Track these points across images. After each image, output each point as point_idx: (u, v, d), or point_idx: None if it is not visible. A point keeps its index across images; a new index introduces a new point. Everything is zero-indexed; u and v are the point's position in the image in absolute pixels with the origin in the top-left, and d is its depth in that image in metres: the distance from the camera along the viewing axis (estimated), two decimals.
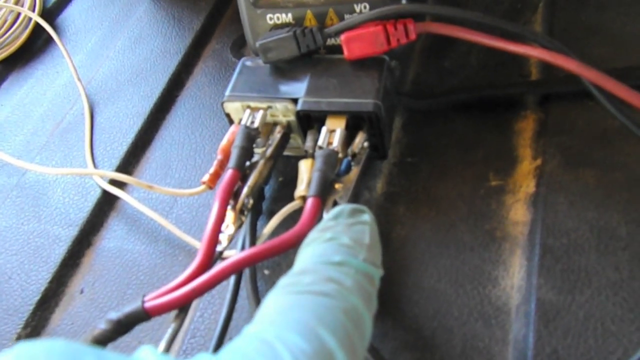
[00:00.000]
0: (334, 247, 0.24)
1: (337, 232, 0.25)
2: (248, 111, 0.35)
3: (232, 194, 0.31)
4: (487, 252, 0.32)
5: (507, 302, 0.30)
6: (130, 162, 0.42)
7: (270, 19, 0.37)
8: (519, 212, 0.33)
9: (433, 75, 0.41)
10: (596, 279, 0.29)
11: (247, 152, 0.33)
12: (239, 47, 0.49)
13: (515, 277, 0.31)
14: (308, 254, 0.24)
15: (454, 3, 0.46)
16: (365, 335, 0.22)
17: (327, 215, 0.26)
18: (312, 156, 0.33)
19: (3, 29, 0.52)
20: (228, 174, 0.32)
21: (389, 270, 0.33)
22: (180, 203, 0.39)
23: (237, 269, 0.27)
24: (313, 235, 0.25)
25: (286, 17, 0.36)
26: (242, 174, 0.33)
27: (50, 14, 0.57)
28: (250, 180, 0.32)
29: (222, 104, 0.35)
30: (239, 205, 0.31)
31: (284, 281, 0.23)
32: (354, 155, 0.33)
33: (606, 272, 0.29)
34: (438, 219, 0.34)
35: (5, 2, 0.54)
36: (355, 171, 0.32)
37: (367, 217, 0.26)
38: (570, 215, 0.32)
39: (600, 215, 0.31)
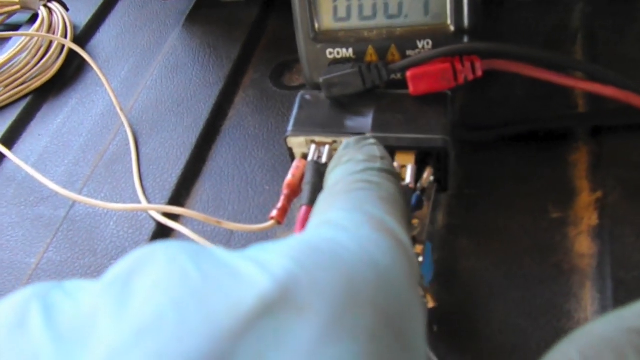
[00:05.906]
0: (352, 164, 0.26)
1: (351, 154, 0.27)
2: (314, 146, 0.35)
3: None
4: (556, 285, 0.32)
5: None
6: (181, 194, 0.42)
7: (330, 53, 0.37)
8: (584, 245, 0.34)
9: (480, 106, 0.42)
10: None
11: (318, 187, 0.33)
12: (279, 75, 0.49)
13: (588, 310, 0.31)
14: (333, 175, 0.27)
15: (493, 34, 0.47)
16: (405, 214, 0.24)
17: (339, 148, 0.29)
18: None
19: (37, 57, 0.52)
20: (303, 210, 0.32)
21: (459, 303, 0.33)
22: (237, 236, 0.39)
23: None
24: (332, 164, 0.28)
25: (347, 52, 0.37)
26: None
27: (81, 41, 0.56)
28: None
29: (285, 138, 0.36)
30: None
31: (319, 196, 0.26)
32: (422, 190, 0.33)
33: None
34: (502, 252, 0.34)
35: (38, 30, 0.54)
36: (427, 205, 0.32)
37: (372, 139, 0.29)
38: (639, 248, 0.32)
39: None
